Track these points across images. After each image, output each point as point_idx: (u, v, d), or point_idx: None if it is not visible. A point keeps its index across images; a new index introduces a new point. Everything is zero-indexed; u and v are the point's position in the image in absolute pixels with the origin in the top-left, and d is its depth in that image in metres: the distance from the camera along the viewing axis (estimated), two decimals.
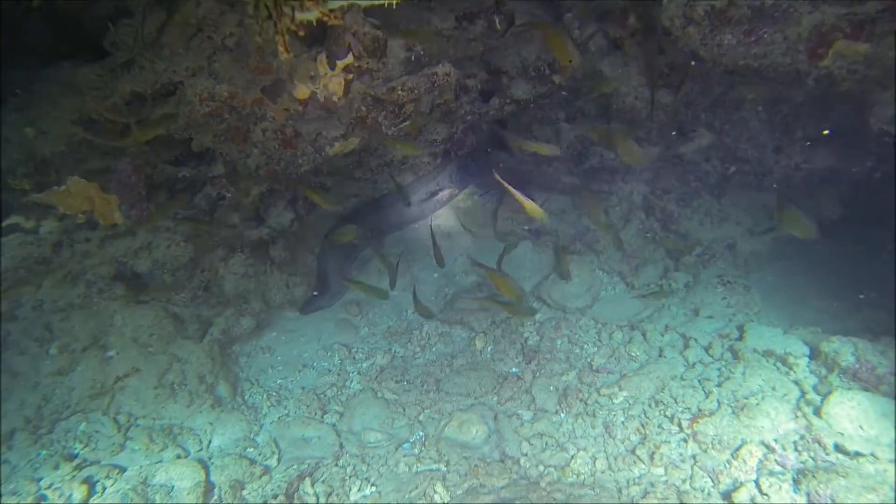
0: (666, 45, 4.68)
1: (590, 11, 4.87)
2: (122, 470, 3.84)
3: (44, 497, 3.61)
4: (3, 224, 4.18)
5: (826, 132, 4.68)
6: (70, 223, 4.37)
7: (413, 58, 4.15)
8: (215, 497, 3.76)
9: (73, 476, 3.71)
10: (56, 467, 3.77)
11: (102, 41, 4.00)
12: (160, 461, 3.96)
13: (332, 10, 1.95)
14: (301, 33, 1.89)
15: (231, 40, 3.95)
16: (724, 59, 3.99)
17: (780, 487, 3.24)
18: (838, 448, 3.37)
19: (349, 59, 3.80)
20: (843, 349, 3.82)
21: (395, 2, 2.00)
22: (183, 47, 3.97)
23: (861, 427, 3.40)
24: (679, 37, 4.03)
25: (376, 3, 2.01)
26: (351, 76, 4.05)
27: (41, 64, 4.10)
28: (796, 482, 3.25)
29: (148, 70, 3.96)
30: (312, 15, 1.84)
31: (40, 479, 3.69)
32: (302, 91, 4.11)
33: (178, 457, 4.02)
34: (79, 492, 3.61)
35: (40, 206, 4.19)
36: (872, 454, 3.28)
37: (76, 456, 3.93)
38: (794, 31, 3.73)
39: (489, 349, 4.85)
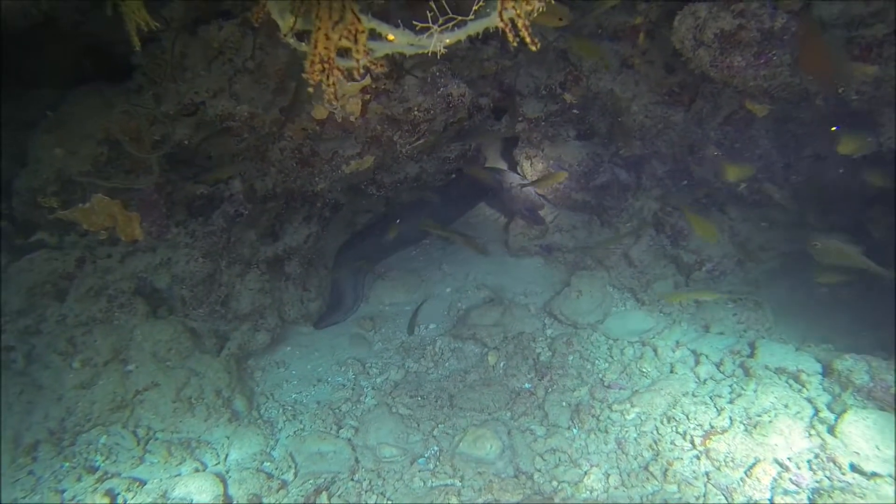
0: (676, 64, 4.76)
1: (601, 31, 4.96)
2: (143, 483, 3.90)
3: None
4: (30, 240, 4.29)
5: (834, 129, 4.72)
6: (92, 239, 4.47)
7: (429, 79, 4.25)
8: None
9: (96, 488, 3.78)
10: (79, 479, 3.85)
11: (129, 62, 4.13)
12: (179, 474, 4.02)
13: (378, 59, 2.04)
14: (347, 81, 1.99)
15: (252, 62, 4.07)
16: (734, 80, 4.07)
17: None
18: (854, 468, 3.38)
19: (367, 80, 3.90)
20: (857, 367, 3.84)
21: (438, 51, 2.08)
22: (204, 69, 4.09)
23: (877, 447, 3.40)
24: (690, 58, 4.11)
25: (419, 51, 2.09)
26: (368, 97, 4.15)
27: (70, 84, 4.23)
28: (812, 502, 3.27)
29: (171, 91, 4.08)
30: (360, 64, 1.92)
31: (64, 491, 3.77)
32: (320, 111, 4.21)
33: (197, 470, 4.08)
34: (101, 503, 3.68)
35: (64, 222, 4.29)
36: (890, 475, 3.28)
37: (98, 468, 4.00)
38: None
39: (502, 364, 4.89)
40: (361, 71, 1.98)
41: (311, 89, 2.01)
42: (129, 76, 4.21)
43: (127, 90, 4.21)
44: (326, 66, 1.85)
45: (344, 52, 1.89)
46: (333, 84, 1.91)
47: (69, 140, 4.10)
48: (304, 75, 1.99)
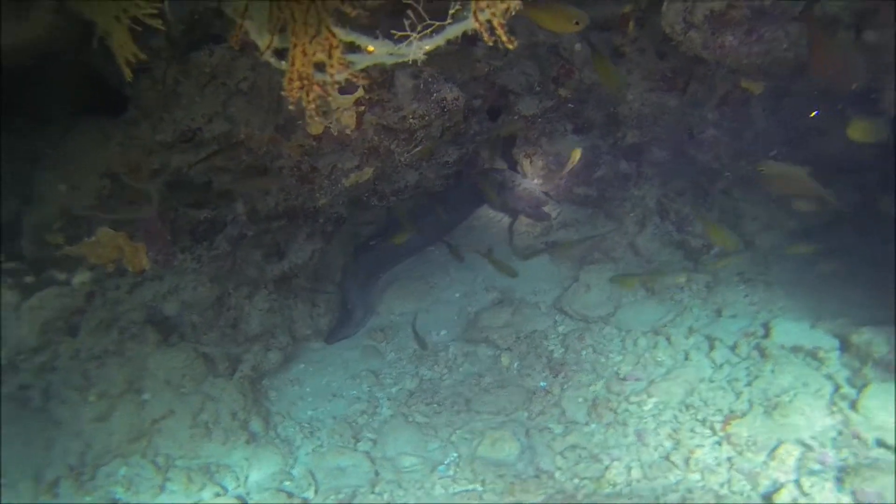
0: (667, 49, 4.73)
1: (590, 23, 4.94)
2: None
3: None
4: (40, 278, 4.33)
5: (813, 114, 4.67)
6: (100, 273, 4.51)
7: (421, 85, 4.25)
8: None
9: None
10: None
11: (124, 93, 4.17)
12: (200, 500, 4.03)
13: (360, 71, 2.05)
14: (328, 96, 1.99)
15: (245, 84, 4.09)
16: (727, 59, 4.03)
17: (824, 487, 3.21)
18: (880, 443, 3.32)
19: (360, 92, 3.90)
20: (877, 339, 3.77)
21: (420, 59, 2.09)
22: (199, 95, 4.12)
23: None
24: (681, 41, 4.08)
25: (400, 60, 2.10)
26: (362, 108, 4.16)
27: (71, 119, 4.27)
28: (839, 480, 3.22)
29: (167, 120, 4.11)
30: (342, 77, 1.93)
31: None
32: (315, 127, 4.22)
33: (218, 495, 4.09)
34: None
35: (72, 258, 4.33)
36: None
37: (119, 501, 4.02)
38: (795, 27, 3.76)
39: (516, 365, 4.87)
40: (336, 86, 1.98)
41: (291, 107, 2.01)
42: (126, 106, 4.25)
43: (125, 122, 4.25)
44: (305, 82, 1.85)
45: (322, 67, 1.89)
46: (314, 100, 1.91)
47: (72, 175, 4.14)
48: (282, 93, 1.99)
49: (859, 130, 3.83)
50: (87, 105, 4.45)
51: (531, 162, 5.95)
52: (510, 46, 1.92)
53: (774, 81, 4.40)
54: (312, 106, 1.95)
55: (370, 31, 3.64)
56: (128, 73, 2.89)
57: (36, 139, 4.43)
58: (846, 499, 3.14)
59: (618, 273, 5.34)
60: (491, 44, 1.92)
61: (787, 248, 4.53)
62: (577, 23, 3.54)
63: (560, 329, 5.15)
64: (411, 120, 4.37)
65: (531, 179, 6.07)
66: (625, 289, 5.13)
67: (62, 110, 4.43)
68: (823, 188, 3.94)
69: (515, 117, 5.63)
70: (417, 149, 4.75)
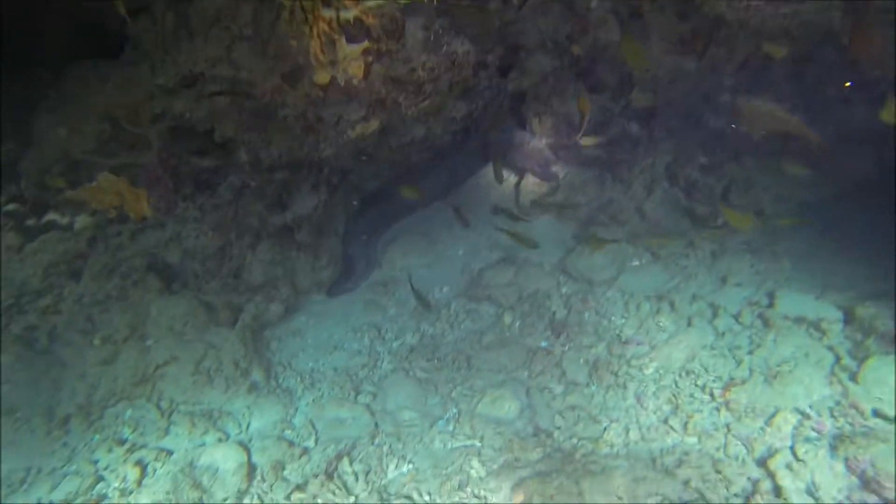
0: (687, 10, 4.55)
1: None
2: (170, 453, 4.00)
3: (102, 478, 3.82)
4: (42, 221, 4.29)
5: (848, 84, 4.54)
6: (102, 218, 4.47)
7: (432, 37, 4.11)
8: (258, 477, 3.89)
9: (126, 459, 3.91)
10: (110, 450, 3.98)
11: (123, 36, 4.04)
12: (203, 444, 4.10)
13: (369, 9, 1.94)
14: (335, 34, 1.88)
15: (249, 29, 3.94)
16: (752, 20, 3.89)
17: (817, 454, 3.26)
18: (877, 413, 3.36)
19: (366, 43, 3.77)
20: (881, 313, 3.78)
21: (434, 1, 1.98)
22: (201, 39, 3.98)
23: None
24: (704, 1, 3.93)
25: None
26: (370, 59, 4.02)
27: (67, 62, 4.15)
28: (833, 448, 3.26)
29: (168, 63, 3.98)
30: (350, 14, 1.82)
31: (97, 461, 3.92)
32: (322, 76, 4.10)
33: (220, 440, 4.16)
34: (133, 473, 3.81)
35: (73, 202, 4.28)
36: None
37: (126, 440, 4.11)
38: None
39: (517, 324, 4.89)
40: (344, 24, 1.88)
41: (293, 42, 1.90)
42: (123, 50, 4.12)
43: (123, 63, 4.13)
44: (310, 15, 1.75)
45: (329, 2, 1.79)
46: (319, 36, 1.81)
47: (72, 118, 4.05)
48: (282, 28, 1.89)
49: (893, 113, 3.72)
50: (84, 47, 4.32)
51: (541, 121, 5.82)
52: None
53: (799, 47, 4.25)
54: (317, 44, 1.85)
55: None
56: (122, 11, 2.76)
57: (32, 84, 4.32)
58: (839, 465, 3.20)
59: (624, 234, 5.30)
60: None
61: (781, 219, 4.48)
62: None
63: (563, 290, 5.14)
64: (420, 72, 4.24)
65: (540, 139, 5.95)
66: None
67: (58, 53, 4.31)
68: (805, 126, 3.86)
69: (526, 74, 5.47)
70: (425, 103, 4.63)
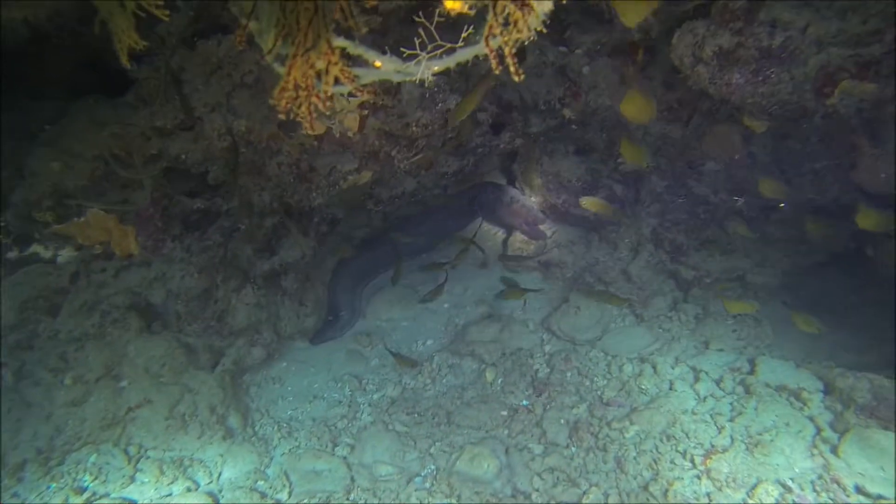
0: (674, 80, 4.76)
1: (599, 48, 4.96)
2: (132, 503, 3.83)
3: None
4: (24, 253, 4.25)
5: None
6: (87, 254, 4.44)
7: (427, 94, 4.25)
8: None
9: None
10: (66, 501, 3.76)
11: (127, 75, 4.12)
12: (170, 494, 3.95)
13: (364, 85, 2.02)
14: (328, 112, 1.97)
15: (250, 77, 4.06)
16: (732, 97, 4.06)
17: None
18: (859, 490, 3.33)
19: (365, 96, 3.88)
20: (859, 385, 3.80)
21: (428, 80, 2.07)
22: (203, 84, 4.08)
23: (882, 468, 3.36)
24: (689, 75, 4.11)
25: (407, 79, 2.07)
26: (366, 112, 4.14)
27: (69, 97, 4.22)
28: None
29: (168, 106, 4.06)
30: (344, 90, 1.90)
31: None
32: (318, 126, 4.20)
33: (189, 489, 4.01)
34: None
35: (59, 236, 4.26)
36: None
37: (86, 489, 3.92)
38: (800, 71, 3.81)
39: (499, 381, 4.84)
40: (334, 98, 1.95)
41: (281, 116, 1.97)
42: (128, 88, 4.20)
43: (124, 105, 4.20)
44: (302, 92, 1.82)
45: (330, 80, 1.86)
46: (308, 111, 1.88)
47: (66, 154, 4.08)
48: (270, 101, 1.96)
49: (868, 219, 3.94)
50: (86, 85, 4.41)
51: (530, 180, 5.95)
52: (517, 79, 1.92)
53: (777, 123, 4.43)
54: (306, 115, 1.92)
55: (381, 34, 3.62)
56: (125, 61, 2.82)
57: (35, 115, 4.37)
58: None
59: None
60: (498, 72, 1.91)
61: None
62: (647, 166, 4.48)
63: (547, 348, 5.13)
64: (414, 128, 4.36)
65: (530, 196, 6.07)
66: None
67: (60, 89, 4.39)
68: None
69: (518, 134, 5.63)
70: (418, 157, 4.74)
